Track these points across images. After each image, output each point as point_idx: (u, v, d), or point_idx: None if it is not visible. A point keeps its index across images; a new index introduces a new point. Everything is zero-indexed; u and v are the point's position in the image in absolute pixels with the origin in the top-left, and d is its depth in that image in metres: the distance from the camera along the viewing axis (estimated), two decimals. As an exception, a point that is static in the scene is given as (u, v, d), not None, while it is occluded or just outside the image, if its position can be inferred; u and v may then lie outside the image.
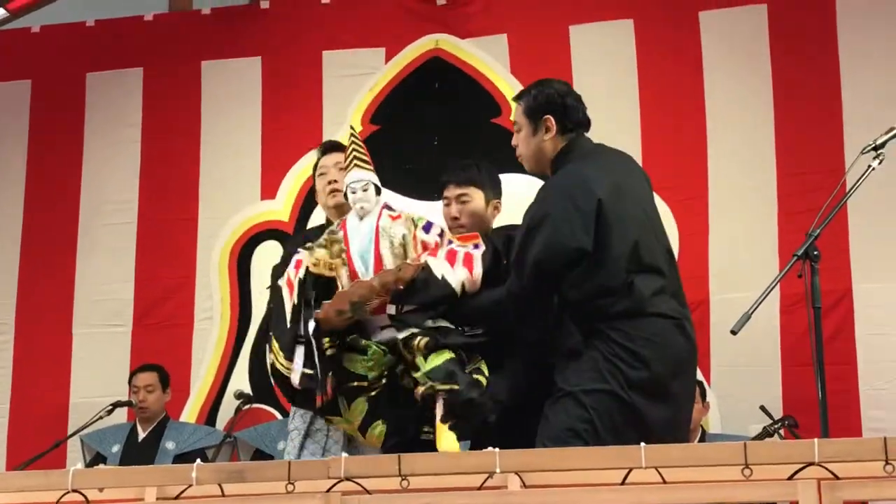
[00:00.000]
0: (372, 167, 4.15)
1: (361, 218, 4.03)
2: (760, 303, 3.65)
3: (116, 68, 7.12)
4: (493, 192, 4.31)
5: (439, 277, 3.82)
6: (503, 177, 6.46)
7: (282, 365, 4.00)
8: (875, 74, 6.05)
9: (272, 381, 4.37)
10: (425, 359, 3.76)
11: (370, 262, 3.94)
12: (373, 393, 3.87)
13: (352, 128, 4.34)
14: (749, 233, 6.10)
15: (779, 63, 6.20)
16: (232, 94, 6.93)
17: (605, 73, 6.39)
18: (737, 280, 5.94)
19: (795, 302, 5.58)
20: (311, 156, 6.53)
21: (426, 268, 3.86)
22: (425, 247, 3.99)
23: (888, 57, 6.06)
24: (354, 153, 4.10)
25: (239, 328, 6.63)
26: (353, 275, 3.92)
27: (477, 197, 4.22)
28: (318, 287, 3.94)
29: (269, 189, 6.73)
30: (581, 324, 3.61)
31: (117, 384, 6.42)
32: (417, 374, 3.78)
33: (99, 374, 6.66)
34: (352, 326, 3.91)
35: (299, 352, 3.91)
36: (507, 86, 6.58)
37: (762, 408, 5.49)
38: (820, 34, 6.17)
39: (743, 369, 5.92)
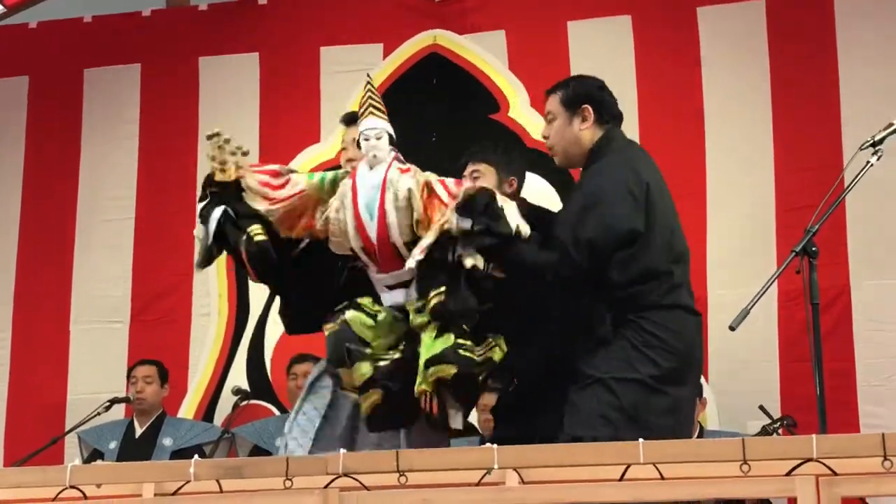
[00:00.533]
0: (387, 116, 4.03)
1: (372, 167, 3.90)
2: (759, 299, 3.66)
3: (114, 64, 7.12)
4: (507, 170, 4.31)
5: (502, 207, 3.72)
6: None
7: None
8: (873, 71, 6.05)
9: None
10: (432, 335, 3.70)
11: (375, 213, 3.81)
12: (380, 363, 3.77)
13: (368, 75, 4.20)
14: (747, 229, 6.11)
15: (777, 59, 6.20)
16: (229, 91, 6.92)
17: (603, 69, 6.25)
18: (734, 276, 5.94)
19: (793, 298, 5.59)
20: (309, 152, 6.61)
21: (492, 192, 3.77)
22: (436, 199, 3.85)
23: (886, 53, 6.06)
24: (370, 100, 3.98)
25: (237, 324, 6.63)
26: (358, 225, 3.83)
27: (488, 173, 4.22)
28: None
29: (266, 185, 6.71)
30: (612, 311, 3.64)
31: (115, 380, 6.43)
32: (421, 359, 3.71)
33: (96, 370, 6.66)
34: (361, 284, 3.89)
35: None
36: (506, 82, 6.58)
37: (761, 407, 5.49)
38: (818, 30, 6.17)
39: (740, 365, 5.92)
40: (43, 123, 7.14)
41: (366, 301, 3.84)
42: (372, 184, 3.86)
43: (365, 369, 3.76)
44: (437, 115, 6.60)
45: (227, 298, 6.68)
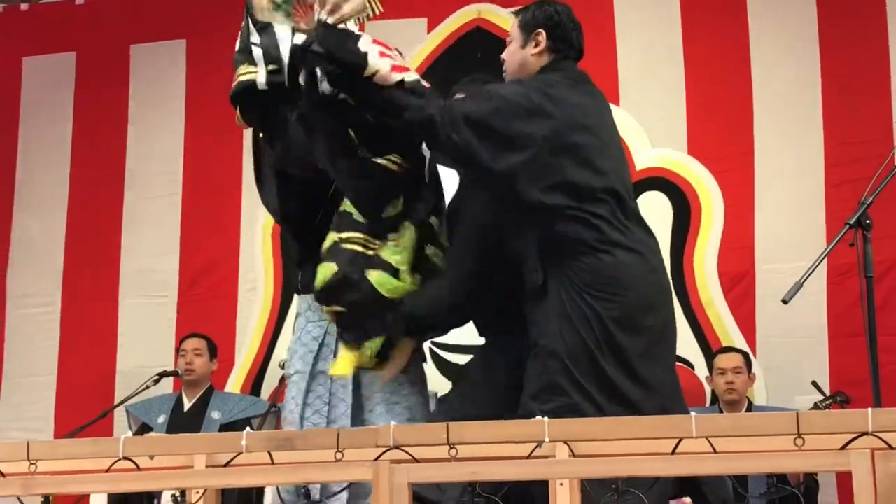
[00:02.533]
0: None
1: None
2: (812, 272, 3.63)
3: (160, 40, 7.15)
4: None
5: (362, 49, 3.49)
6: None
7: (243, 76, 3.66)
8: (925, 41, 5.98)
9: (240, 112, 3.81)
10: None
11: None
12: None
13: None
14: (795, 202, 6.07)
15: (826, 30, 6.14)
16: (276, 65, 6.92)
17: (649, 36, 6.36)
18: (783, 250, 5.91)
19: (843, 272, 5.55)
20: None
21: (358, 35, 3.55)
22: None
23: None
24: None
25: (283, 298, 6.66)
26: None
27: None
28: None
29: (313, 159, 6.73)
30: (543, 256, 3.44)
31: (163, 354, 6.49)
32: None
33: (145, 344, 6.72)
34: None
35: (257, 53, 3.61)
36: (551, 55, 6.54)
37: (814, 383, 5.45)
38: (868, 2, 6.10)
39: (789, 340, 5.89)
40: (90, 99, 7.19)
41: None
42: None
43: None
44: (482, 88, 6.57)
45: (273, 272, 6.71)
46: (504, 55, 3.77)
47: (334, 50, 3.46)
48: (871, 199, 3.67)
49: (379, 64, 3.49)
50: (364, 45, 3.51)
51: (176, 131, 7.01)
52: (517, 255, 3.54)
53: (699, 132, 6.20)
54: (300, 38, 3.57)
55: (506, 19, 6.63)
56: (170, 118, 7.03)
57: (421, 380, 3.82)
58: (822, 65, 6.13)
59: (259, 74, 3.64)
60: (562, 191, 3.41)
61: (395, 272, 3.58)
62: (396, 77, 3.50)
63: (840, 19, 6.14)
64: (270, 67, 3.62)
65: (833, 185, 5.96)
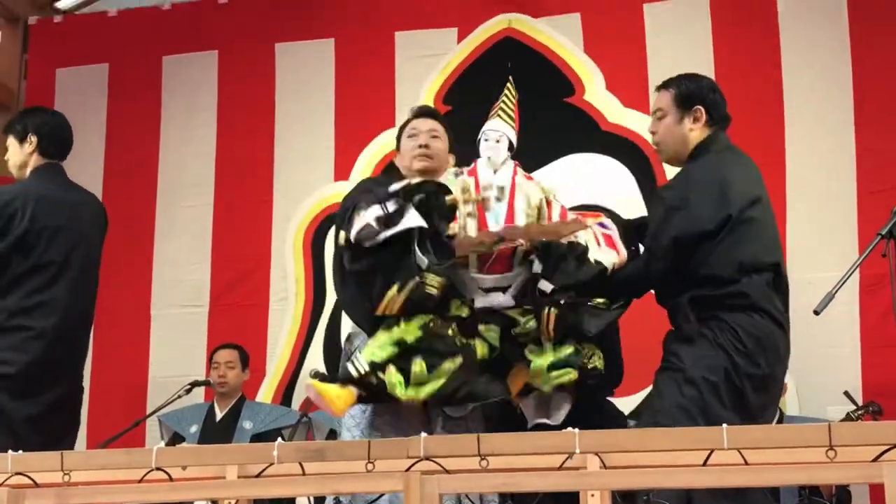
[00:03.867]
0: (514, 124, 4.07)
1: (495, 171, 3.92)
2: (844, 282, 3.62)
3: (192, 51, 7.20)
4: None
5: (593, 262, 3.78)
6: (575, 157, 6.43)
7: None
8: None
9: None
10: (553, 346, 3.75)
11: (502, 215, 3.85)
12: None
13: (510, 79, 4.22)
14: (827, 212, 6.03)
15: (857, 35, 6.12)
16: (305, 77, 6.97)
17: (680, 51, 6.33)
18: (815, 260, 5.87)
19: (875, 282, 5.51)
20: (384, 137, 6.60)
21: (584, 249, 3.80)
22: (561, 215, 3.92)
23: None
24: (503, 104, 4.04)
25: (314, 308, 6.68)
26: (481, 223, 3.83)
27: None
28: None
29: (342, 170, 6.76)
30: (698, 311, 3.64)
31: (195, 364, 6.52)
32: (535, 363, 3.75)
33: (177, 353, 6.75)
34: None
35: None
36: (581, 65, 6.55)
37: (846, 393, 5.42)
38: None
39: (821, 350, 5.84)
40: (123, 110, 7.24)
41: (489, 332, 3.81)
42: (498, 185, 3.86)
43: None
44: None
45: (304, 283, 6.73)
46: (655, 128, 3.94)
47: (579, 279, 3.73)
48: (904, 208, 3.64)
49: (609, 255, 3.80)
50: (593, 253, 3.78)
51: (208, 142, 7.05)
52: (670, 301, 3.77)
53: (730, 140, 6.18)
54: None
55: (536, 29, 6.66)
56: (201, 129, 7.07)
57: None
58: (854, 73, 6.09)
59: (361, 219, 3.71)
60: (731, 265, 3.63)
61: None
62: (624, 253, 3.86)
63: (872, 24, 6.11)
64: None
65: (865, 194, 5.93)
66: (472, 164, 4.05)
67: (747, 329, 3.59)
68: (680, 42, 6.36)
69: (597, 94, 6.50)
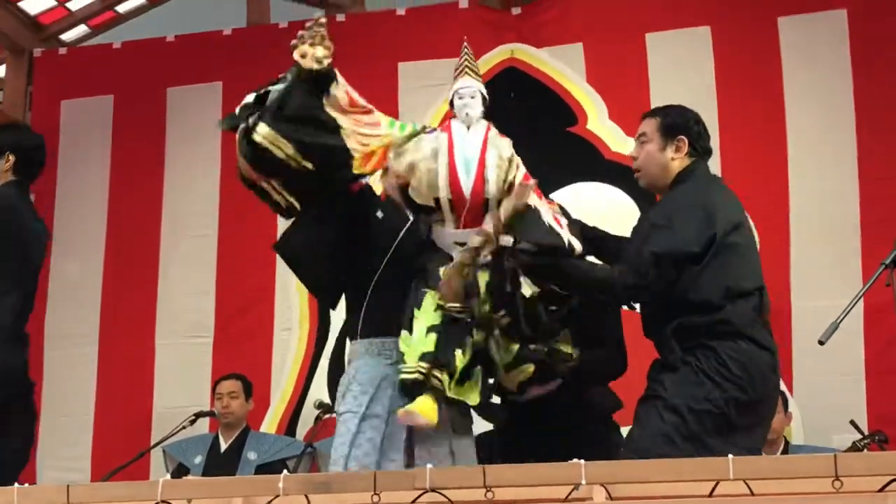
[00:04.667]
0: (481, 79, 4.07)
1: (468, 127, 3.89)
2: (848, 312, 3.62)
3: (196, 83, 7.23)
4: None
5: (547, 224, 3.74)
6: (577, 186, 6.44)
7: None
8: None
9: None
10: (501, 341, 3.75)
11: (472, 169, 3.77)
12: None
13: (465, 41, 4.15)
14: (831, 239, 6.03)
15: (860, 68, 6.13)
16: (310, 107, 6.97)
17: (683, 81, 6.35)
18: (818, 288, 5.89)
19: (879, 311, 5.49)
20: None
21: (535, 210, 3.75)
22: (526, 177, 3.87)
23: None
24: (466, 63, 4.03)
25: (318, 338, 6.68)
26: (452, 178, 3.76)
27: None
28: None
29: (347, 200, 6.76)
30: (682, 341, 3.63)
31: (199, 394, 6.52)
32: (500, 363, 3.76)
33: (181, 384, 6.76)
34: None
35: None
36: (584, 94, 6.57)
37: (852, 422, 5.40)
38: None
39: (825, 378, 5.84)
40: (127, 141, 7.27)
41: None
42: (471, 141, 3.83)
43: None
44: (515, 128, 6.55)
45: (309, 313, 6.73)
46: (637, 153, 3.96)
47: (537, 238, 3.65)
48: (906, 238, 3.65)
49: (565, 234, 3.74)
50: (547, 219, 3.74)
51: (212, 173, 7.06)
52: (655, 333, 3.76)
53: (733, 169, 6.17)
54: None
55: (539, 59, 6.69)
56: (206, 160, 7.08)
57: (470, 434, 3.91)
58: (856, 101, 6.11)
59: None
60: (718, 290, 3.62)
61: None
62: (578, 247, 3.78)
63: (873, 55, 6.13)
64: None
65: (869, 222, 5.93)
66: (447, 122, 4.00)
67: (732, 356, 3.58)
68: (682, 71, 6.39)
69: (599, 123, 6.53)
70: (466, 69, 4.02)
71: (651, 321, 3.80)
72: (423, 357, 3.63)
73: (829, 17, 6.20)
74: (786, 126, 6.19)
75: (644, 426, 3.60)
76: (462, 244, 3.75)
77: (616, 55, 6.58)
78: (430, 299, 3.73)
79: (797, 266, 6.03)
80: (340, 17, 7.12)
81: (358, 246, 3.95)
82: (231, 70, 7.17)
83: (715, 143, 6.06)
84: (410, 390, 3.63)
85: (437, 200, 3.77)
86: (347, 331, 4.14)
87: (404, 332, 3.71)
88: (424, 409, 3.58)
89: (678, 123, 3.91)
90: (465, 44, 4.11)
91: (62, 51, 7.64)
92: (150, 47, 7.41)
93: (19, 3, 7.48)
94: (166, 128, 7.22)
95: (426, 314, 3.72)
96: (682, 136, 3.87)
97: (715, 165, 6.18)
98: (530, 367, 3.75)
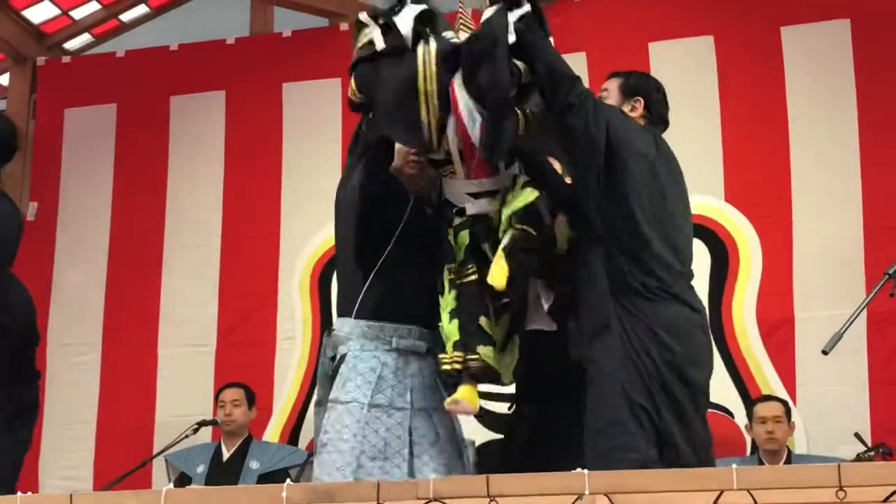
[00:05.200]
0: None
1: None
2: (852, 322, 3.61)
3: (199, 91, 7.24)
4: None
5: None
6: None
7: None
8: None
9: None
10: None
11: (478, 118, 3.70)
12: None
13: (461, 2, 4.12)
14: (834, 249, 6.02)
15: (863, 78, 6.13)
16: (313, 116, 6.99)
17: (686, 90, 6.32)
18: (822, 297, 5.88)
19: (883, 320, 5.52)
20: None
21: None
22: None
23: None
24: (461, 24, 4.04)
25: (321, 347, 6.65)
26: (460, 128, 3.72)
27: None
28: None
29: (349, 209, 6.76)
30: (615, 294, 3.63)
31: (202, 403, 6.50)
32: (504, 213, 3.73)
33: (184, 393, 6.74)
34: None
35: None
36: (587, 104, 6.56)
37: (856, 435, 5.39)
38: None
39: (829, 388, 5.84)
40: (131, 150, 7.28)
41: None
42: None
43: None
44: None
45: (311, 322, 6.73)
46: None
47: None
48: (910, 248, 3.65)
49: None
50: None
51: (215, 181, 7.07)
52: (586, 291, 3.73)
53: (736, 178, 6.20)
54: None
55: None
56: (209, 168, 7.10)
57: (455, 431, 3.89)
58: (859, 110, 6.11)
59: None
60: (656, 236, 3.66)
61: None
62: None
63: (877, 65, 6.13)
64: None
65: (872, 231, 5.93)
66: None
67: (665, 323, 3.60)
68: (685, 81, 6.36)
69: (602, 131, 6.52)
70: (462, 28, 4.02)
71: (583, 249, 3.77)
72: (455, 346, 3.66)
73: (831, 27, 6.20)
74: (789, 135, 6.18)
75: (597, 417, 3.58)
76: (474, 194, 3.77)
77: (619, 65, 6.52)
78: (445, 278, 3.75)
79: (800, 276, 6.02)
80: (345, 26, 7.12)
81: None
82: (234, 79, 7.19)
83: (718, 151, 6.20)
84: (452, 380, 3.68)
85: (447, 153, 3.77)
86: (339, 305, 4.02)
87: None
88: (468, 395, 3.64)
89: (639, 85, 4.06)
90: (461, 4, 4.10)
91: (66, 59, 7.65)
92: (154, 56, 7.42)
93: (23, 12, 7.49)
94: (169, 136, 7.23)
95: (445, 298, 3.74)
96: (640, 97, 4.00)
97: (717, 174, 6.25)
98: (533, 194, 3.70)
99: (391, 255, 3.80)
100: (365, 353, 3.78)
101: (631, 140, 3.74)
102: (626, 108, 3.97)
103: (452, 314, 3.70)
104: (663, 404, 3.55)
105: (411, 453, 3.72)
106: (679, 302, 3.66)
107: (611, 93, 4.04)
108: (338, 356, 3.85)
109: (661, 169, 3.79)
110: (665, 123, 4.06)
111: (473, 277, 3.72)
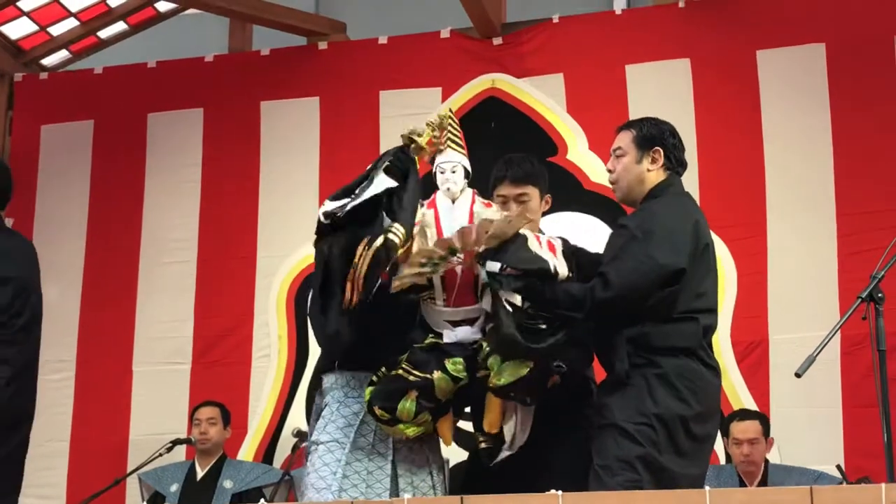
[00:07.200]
0: (465, 150, 4.01)
1: (453, 201, 3.90)
2: (825, 345, 3.63)
3: (177, 109, 7.24)
4: (546, 185, 4.25)
5: (534, 251, 3.72)
6: (557, 216, 6.48)
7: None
8: (938, 112, 6.01)
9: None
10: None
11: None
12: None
13: (450, 109, 4.14)
14: (808, 272, 6.05)
15: (837, 101, 6.17)
16: (290, 134, 7.00)
17: (662, 112, 6.22)
18: (796, 320, 5.91)
19: (856, 343, 5.54)
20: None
21: (524, 237, 3.74)
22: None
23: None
24: (450, 135, 4.02)
25: (296, 366, 6.67)
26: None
27: (535, 195, 4.16)
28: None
29: (326, 228, 6.76)
30: (634, 353, 3.62)
31: (176, 421, 6.48)
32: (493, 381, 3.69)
33: (158, 411, 6.72)
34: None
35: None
36: (564, 125, 6.60)
37: (838, 467, 5.40)
38: (878, 72, 6.14)
39: (802, 410, 5.86)
40: (107, 166, 7.26)
41: (454, 365, 3.74)
42: (457, 216, 3.83)
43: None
44: (495, 158, 6.58)
45: (287, 340, 6.73)
46: (613, 166, 3.95)
47: (523, 264, 3.63)
48: (882, 272, 3.67)
49: (553, 260, 3.72)
50: (533, 246, 3.72)
51: (192, 199, 7.06)
52: (603, 342, 3.74)
53: (711, 201, 6.21)
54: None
55: (519, 89, 6.72)
56: (186, 186, 7.09)
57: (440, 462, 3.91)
58: (834, 134, 6.15)
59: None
60: (683, 302, 3.64)
61: None
62: (564, 272, 3.74)
63: (851, 89, 6.17)
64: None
65: (846, 255, 5.96)
66: (431, 197, 4.02)
67: (681, 374, 3.60)
68: (661, 103, 6.39)
69: (579, 153, 6.55)
70: (449, 141, 3.99)
71: (602, 328, 3.75)
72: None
73: (807, 51, 6.25)
74: (764, 158, 6.22)
75: (604, 456, 3.58)
76: (453, 322, 3.76)
77: (596, 86, 6.62)
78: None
79: (774, 298, 6.05)
80: (322, 45, 7.15)
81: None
82: (212, 96, 7.20)
83: (694, 174, 6.23)
84: None
85: (429, 280, 3.75)
86: (324, 363, 4.08)
87: None
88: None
89: (653, 135, 3.91)
90: (451, 112, 4.07)
91: (43, 76, 7.63)
92: (132, 73, 7.41)
93: (0, 28, 7.47)
94: (146, 153, 7.22)
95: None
96: (658, 148, 3.88)
97: (693, 193, 6.27)
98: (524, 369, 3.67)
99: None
100: (349, 399, 3.83)
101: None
102: (647, 161, 3.86)
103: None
104: (669, 449, 3.55)
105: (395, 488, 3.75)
106: (701, 362, 3.66)
107: (626, 149, 3.91)
108: (324, 405, 3.90)
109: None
110: (683, 166, 3.98)
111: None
